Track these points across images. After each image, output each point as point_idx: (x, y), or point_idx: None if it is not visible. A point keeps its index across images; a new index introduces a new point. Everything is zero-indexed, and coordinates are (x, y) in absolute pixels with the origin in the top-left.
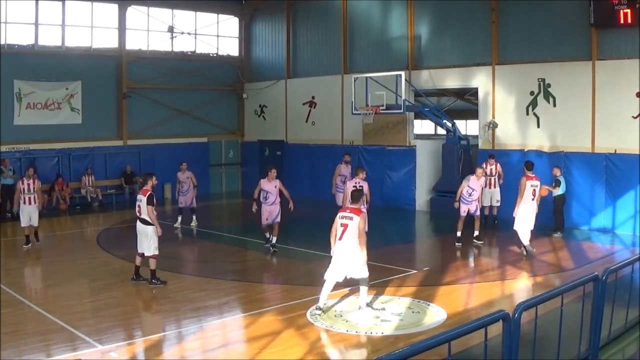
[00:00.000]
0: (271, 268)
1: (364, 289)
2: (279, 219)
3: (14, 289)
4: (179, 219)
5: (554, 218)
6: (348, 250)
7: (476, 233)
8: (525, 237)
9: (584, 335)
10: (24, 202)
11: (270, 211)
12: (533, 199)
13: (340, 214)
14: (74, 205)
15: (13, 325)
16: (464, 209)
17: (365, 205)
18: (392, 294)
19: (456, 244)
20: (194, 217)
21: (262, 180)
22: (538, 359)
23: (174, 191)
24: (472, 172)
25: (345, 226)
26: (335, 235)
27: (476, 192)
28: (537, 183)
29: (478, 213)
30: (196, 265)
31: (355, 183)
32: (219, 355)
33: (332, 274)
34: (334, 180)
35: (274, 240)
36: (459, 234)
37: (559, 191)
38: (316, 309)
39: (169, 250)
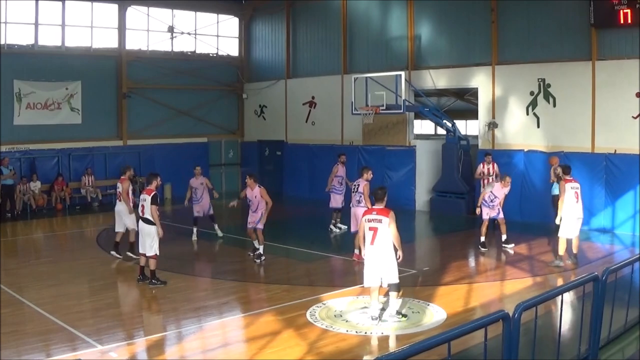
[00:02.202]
0: (271, 268)
1: (394, 294)
2: (260, 226)
3: (14, 289)
4: (195, 231)
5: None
6: (381, 254)
7: (504, 237)
8: (563, 246)
9: (584, 335)
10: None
11: (253, 217)
12: (577, 202)
13: (366, 217)
14: (74, 205)
15: (13, 325)
16: (486, 212)
17: (362, 205)
18: None
19: (481, 249)
20: (217, 226)
21: (246, 189)
22: (538, 359)
23: (175, 192)
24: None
25: (375, 230)
26: (364, 239)
27: (498, 199)
28: (578, 185)
29: (501, 216)
30: (196, 265)
31: (356, 184)
32: (219, 355)
33: (370, 280)
34: (330, 180)
35: (261, 249)
36: (482, 238)
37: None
38: (372, 319)
39: (169, 250)
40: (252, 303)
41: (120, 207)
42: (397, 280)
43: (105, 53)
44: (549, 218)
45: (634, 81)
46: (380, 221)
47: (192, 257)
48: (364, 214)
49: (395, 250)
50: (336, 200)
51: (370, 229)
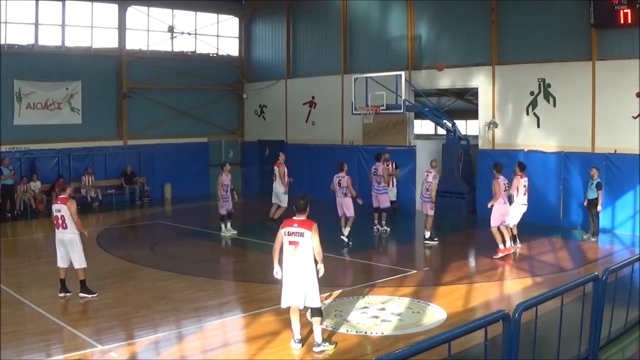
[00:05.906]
0: (271, 268)
1: (317, 320)
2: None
3: (14, 289)
4: (229, 225)
5: (592, 222)
6: (301, 272)
7: None
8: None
9: (584, 335)
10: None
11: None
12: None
13: (285, 229)
14: None
15: (13, 325)
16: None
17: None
18: (392, 294)
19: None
20: (230, 223)
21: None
22: (538, 359)
23: (175, 192)
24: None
25: (295, 244)
26: (279, 253)
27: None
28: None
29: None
30: (196, 265)
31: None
32: (219, 355)
33: (288, 300)
34: (385, 179)
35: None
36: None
37: (594, 194)
38: (296, 342)
39: (169, 250)
40: (252, 303)
41: None
42: (318, 305)
43: (105, 53)
44: (549, 218)
45: (634, 81)
46: (302, 235)
47: (192, 256)
48: (283, 225)
49: (316, 262)
50: (382, 200)
51: (290, 243)
